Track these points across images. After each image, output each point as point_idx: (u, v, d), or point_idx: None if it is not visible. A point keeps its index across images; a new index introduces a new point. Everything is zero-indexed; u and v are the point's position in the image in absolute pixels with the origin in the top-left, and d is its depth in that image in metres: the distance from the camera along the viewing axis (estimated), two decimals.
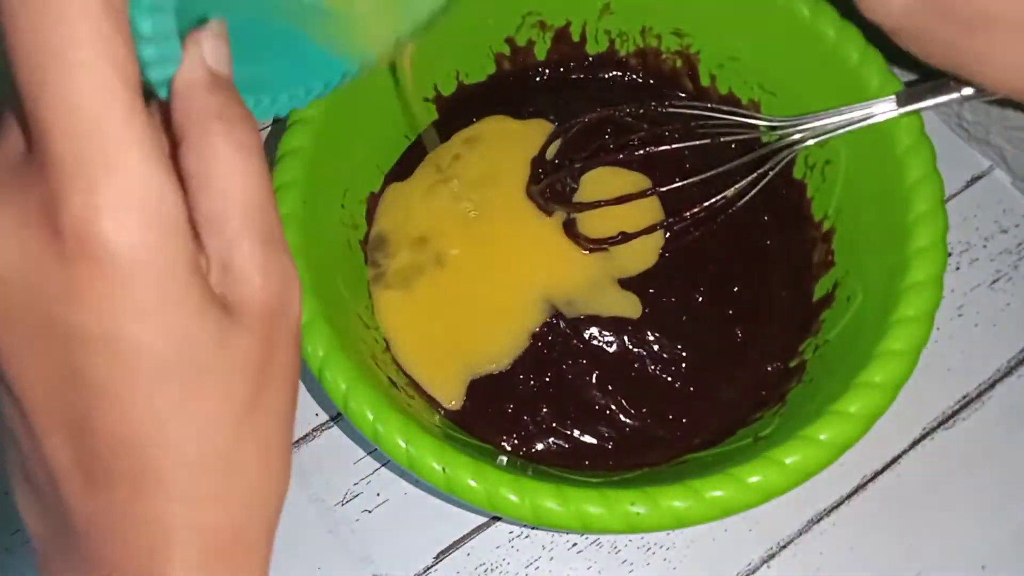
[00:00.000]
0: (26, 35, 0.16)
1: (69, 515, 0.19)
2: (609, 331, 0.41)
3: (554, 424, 0.40)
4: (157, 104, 0.20)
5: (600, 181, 0.43)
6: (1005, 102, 0.35)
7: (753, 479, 0.32)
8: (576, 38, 0.47)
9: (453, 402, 0.40)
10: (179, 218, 0.17)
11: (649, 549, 0.41)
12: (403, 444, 0.33)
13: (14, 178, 0.17)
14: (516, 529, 0.42)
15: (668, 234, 0.43)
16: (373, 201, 0.44)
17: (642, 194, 0.42)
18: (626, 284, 0.42)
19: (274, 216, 0.19)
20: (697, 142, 0.42)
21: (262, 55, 0.25)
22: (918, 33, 0.32)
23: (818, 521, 0.42)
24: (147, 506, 0.18)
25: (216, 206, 0.18)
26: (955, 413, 0.43)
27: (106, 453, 0.18)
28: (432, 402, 0.40)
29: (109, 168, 0.16)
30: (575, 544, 0.41)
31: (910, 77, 0.43)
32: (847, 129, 0.38)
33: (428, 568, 0.41)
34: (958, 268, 0.46)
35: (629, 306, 0.41)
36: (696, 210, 0.42)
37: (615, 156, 0.43)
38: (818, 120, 0.39)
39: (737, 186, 0.41)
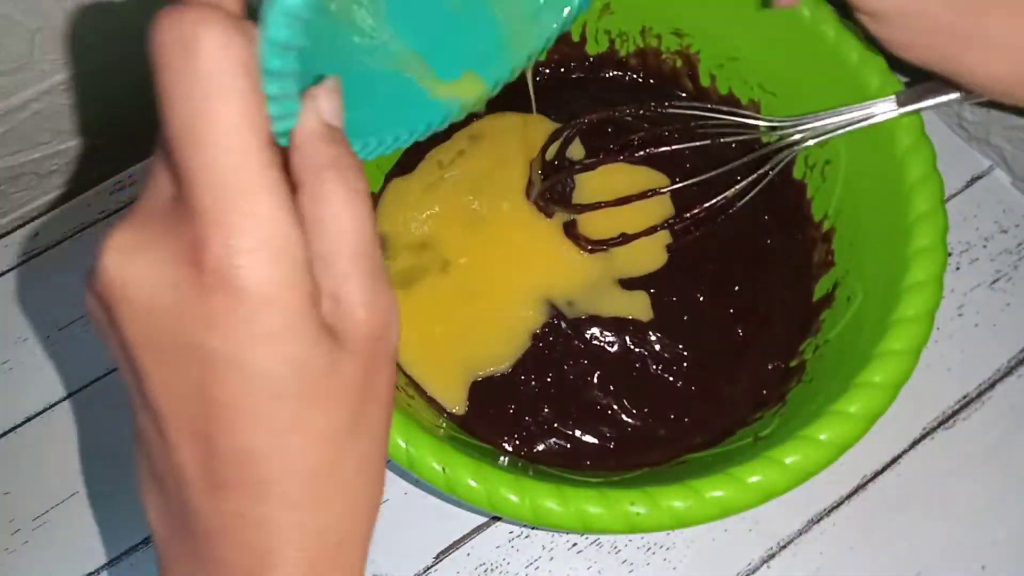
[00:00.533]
0: (181, 101, 0.19)
1: (192, 517, 0.21)
2: (610, 331, 0.41)
3: (555, 424, 0.40)
4: (279, 151, 0.22)
5: (606, 178, 0.43)
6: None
7: (753, 479, 0.32)
8: (576, 38, 0.47)
9: (457, 407, 0.40)
10: (301, 257, 0.20)
11: (649, 549, 0.41)
12: (403, 444, 0.33)
13: (164, 220, 0.20)
14: (516, 529, 0.42)
15: (669, 235, 0.43)
16: (373, 201, 0.44)
17: (642, 195, 0.42)
18: (627, 284, 0.42)
19: (379, 255, 0.22)
20: (697, 143, 0.42)
21: (369, 100, 0.27)
22: (908, 40, 0.33)
23: (818, 521, 0.42)
24: (262, 511, 0.20)
25: (329, 246, 0.21)
26: (955, 413, 0.43)
27: (228, 462, 0.20)
28: (435, 404, 0.40)
29: (245, 215, 0.19)
30: (575, 544, 0.41)
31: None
32: (847, 129, 0.38)
33: (428, 568, 0.41)
34: (958, 268, 0.46)
35: (637, 307, 0.41)
36: (696, 211, 0.42)
37: (615, 157, 0.43)
38: (818, 120, 0.39)
39: (737, 186, 0.41)
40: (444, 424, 0.39)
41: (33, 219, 0.50)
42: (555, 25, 0.32)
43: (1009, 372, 0.44)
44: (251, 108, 0.19)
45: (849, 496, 0.42)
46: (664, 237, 0.43)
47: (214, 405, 0.20)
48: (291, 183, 0.21)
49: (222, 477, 0.20)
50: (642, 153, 0.42)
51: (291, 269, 0.19)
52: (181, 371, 0.20)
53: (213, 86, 0.19)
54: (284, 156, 0.21)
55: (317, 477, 0.21)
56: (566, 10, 0.32)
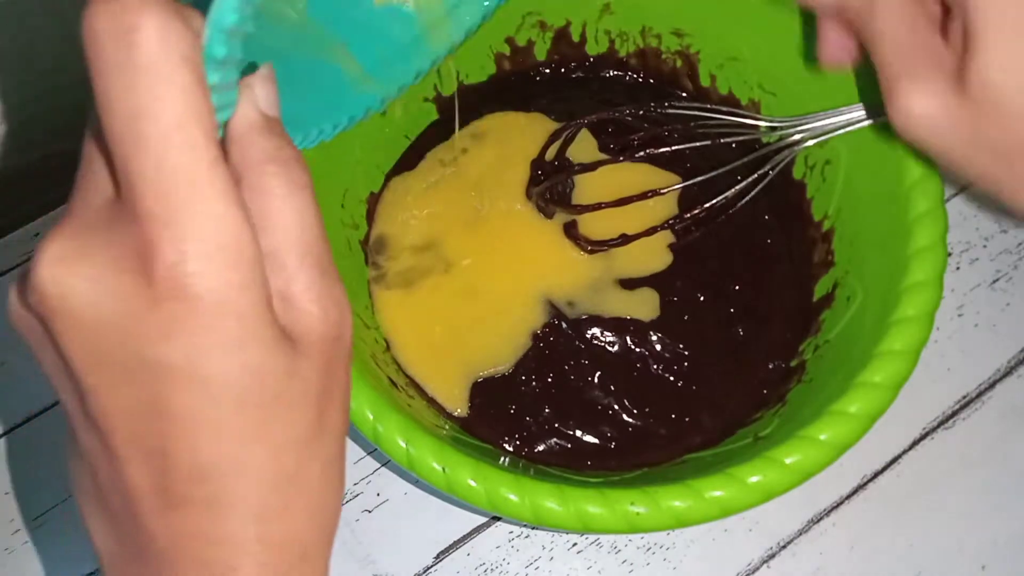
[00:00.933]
0: (121, 97, 0.17)
1: (145, 536, 0.20)
2: (611, 331, 0.41)
3: (556, 425, 0.40)
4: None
5: (606, 178, 0.43)
6: None
7: (753, 479, 0.32)
8: (576, 38, 0.47)
9: (457, 408, 0.40)
10: (256, 259, 0.19)
11: (649, 549, 0.41)
12: (403, 444, 0.33)
13: (103, 224, 0.19)
14: (516, 529, 0.42)
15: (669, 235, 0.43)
16: (373, 201, 0.44)
17: (642, 196, 0.42)
18: (628, 284, 0.42)
19: (327, 249, 0.21)
20: (697, 143, 0.42)
21: (294, 93, 0.27)
22: (951, 158, 0.29)
23: (818, 521, 0.42)
24: (223, 525, 0.20)
25: (275, 243, 0.19)
26: (955, 413, 0.43)
27: (185, 477, 0.19)
28: (435, 405, 0.40)
29: (197, 218, 0.18)
30: (575, 544, 0.41)
31: None
32: (847, 129, 0.38)
33: (428, 568, 0.41)
34: (958, 268, 0.46)
35: (638, 307, 0.41)
36: (697, 211, 0.42)
37: (615, 157, 0.43)
38: (818, 120, 0.39)
39: (737, 187, 0.41)
40: (447, 426, 0.39)
41: (33, 219, 0.50)
42: (475, 18, 0.32)
43: (1009, 372, 0.44)
44: (197, 102, 0.18)
45: (849, 496, 0.42)
46: (664, 238, 0.43)
47: (171, 419, 0.19)
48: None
49: (179, 494, 0.19)
50: (642, 153, 0.42)
51: (246, 272, 0.18)
52: (131, 386, 0.19)
53: (155, 80, 0.17)
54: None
55: (280, 487, 0.20)
56: (486, 2, 0.32)
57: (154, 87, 0.17)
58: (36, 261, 0.18)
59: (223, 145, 0.20)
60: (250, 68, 0.21)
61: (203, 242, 0.18)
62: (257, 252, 0.19)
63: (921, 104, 0.27)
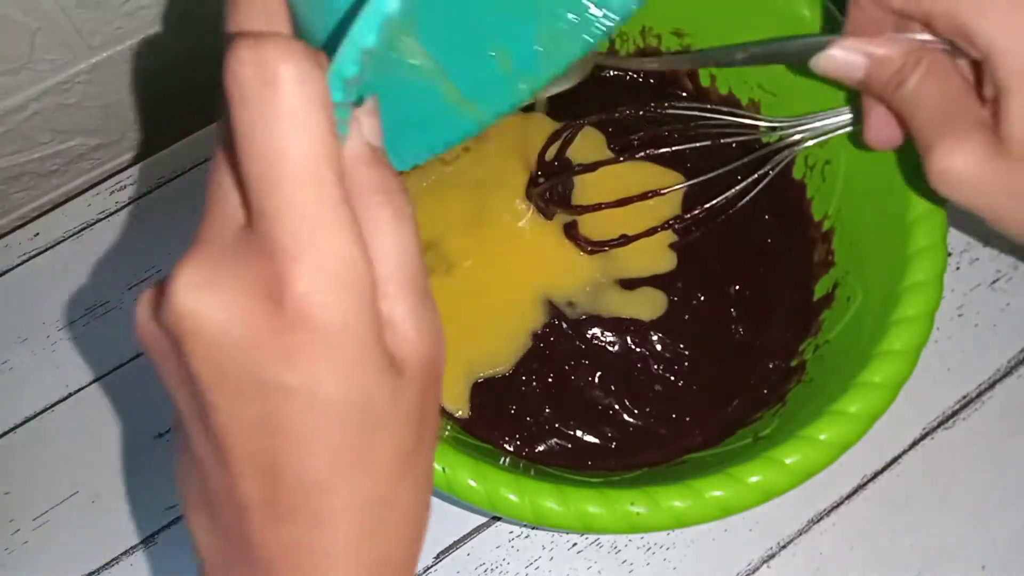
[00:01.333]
0: (262, 138, 0.19)
1: (249, 543, 0.21)
2: (611, 331, 0.41)
3: (557, 425, 0.40)
4: None
5: (606, 178, 0.43)
6: None
7: (753, 479, 0.32)
8: None
9: (458, 408, 0.40)
10: (371, 290, 0.20)
11: (649, 549, 0.41)
12: None
13: (235, 251, 0.20)
14: (516, 529, 0.42)
15: (669, 235, 0.43)
16: None
17: (642, 196, 0.42)
18: (629, 284, 0.42)
19: (425, 275, 0.22)
20: (697, 143, 0.42)
21: (390, 119, 0.27)
22: (992, 213, 0.30)
23: (818, 521, 0.42)
24: (321, 540, 0.21)
25: (380, 270, 0.21)
26: (955, 413, 0.43)
27: (292, 492, 0.20)
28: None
29: (324, 254, 0.19)
30: (575, 544, 0.41)
31: None
32: (847, 129, 0.38)
33: (428, 568, 0.41)
34: (958, 268, 0.46)
35: (637, 307, 0.41)
36: (697, 211, 0.42)
37: (616, 158, 0.43)
38: (818, 120, 0.39)
39: (737, 187, 0.41)
40: (448, 426, 0.39)
41: (33, 219, 0.50)
42: (577, 50, 0.32)
43: (1009, 372, 0.44)
44: (329, 144, 0.19)
45: (849, 496, 0.42)
46: (664, 238, 0.43)
47: (285, 437, 0.20)
48: None
49: (286, 507, 0.21)
50: (642, 154, 0.42)
51: (364, 303, 0.20)
52: (251, 405, 0.20)
53: (294, 124, 0.19)
54: None
55: (377, 508, 0.21)
56: (587, 36, 0.32)
57: (293, 130, 0.19)
58: (173, 285, 0.20)
59: None
60: (359, 99, 0.22)
61: (329, 276, 0.19)
62: (372, 284, 0.20)
63: (958, 163, 0.28)
